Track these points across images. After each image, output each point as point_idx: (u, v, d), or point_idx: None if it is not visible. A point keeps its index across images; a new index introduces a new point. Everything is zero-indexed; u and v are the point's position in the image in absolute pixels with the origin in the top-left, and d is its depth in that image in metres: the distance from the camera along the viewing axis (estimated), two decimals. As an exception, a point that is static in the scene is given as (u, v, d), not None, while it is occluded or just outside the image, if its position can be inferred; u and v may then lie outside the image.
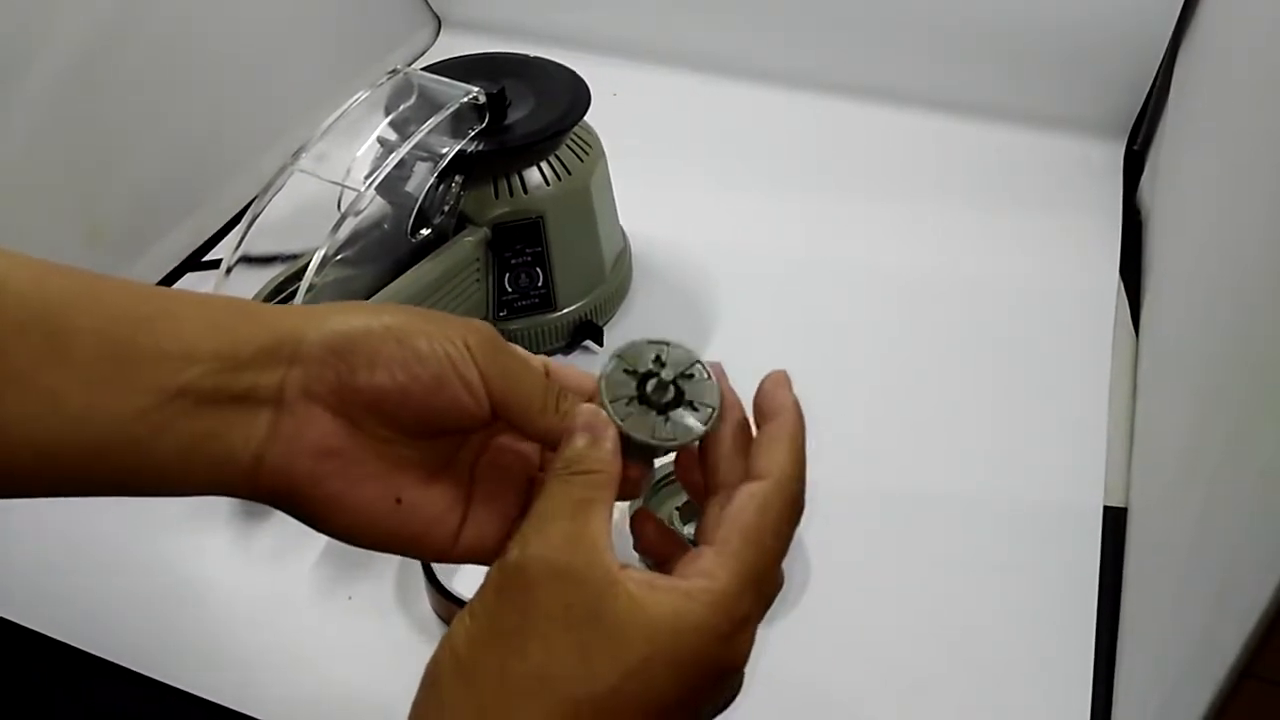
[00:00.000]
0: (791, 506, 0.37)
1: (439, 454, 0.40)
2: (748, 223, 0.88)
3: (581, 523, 0.35)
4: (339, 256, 0.62)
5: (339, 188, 0.64)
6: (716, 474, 0.39)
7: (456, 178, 0.67)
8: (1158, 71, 0.91)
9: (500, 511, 0.41)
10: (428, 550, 0.40)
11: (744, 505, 0.37)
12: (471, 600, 0.35)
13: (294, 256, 0.65)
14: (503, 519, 0.41)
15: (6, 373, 0.34)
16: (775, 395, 0.40)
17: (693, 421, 0.39)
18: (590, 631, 0.33)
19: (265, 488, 0.38)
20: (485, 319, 0.72)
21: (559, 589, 0.34)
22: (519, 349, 0.40)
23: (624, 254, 0.80)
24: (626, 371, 0.40)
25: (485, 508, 0.41)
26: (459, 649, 0.34)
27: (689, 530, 0.63)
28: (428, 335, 0.38)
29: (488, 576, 0.35)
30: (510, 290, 0.72)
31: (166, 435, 0.36)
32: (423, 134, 0.65)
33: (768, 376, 0.40)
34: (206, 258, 0.86)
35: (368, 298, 0.64)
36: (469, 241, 0.69)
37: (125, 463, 0.36)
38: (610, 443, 0.37)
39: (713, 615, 0.34)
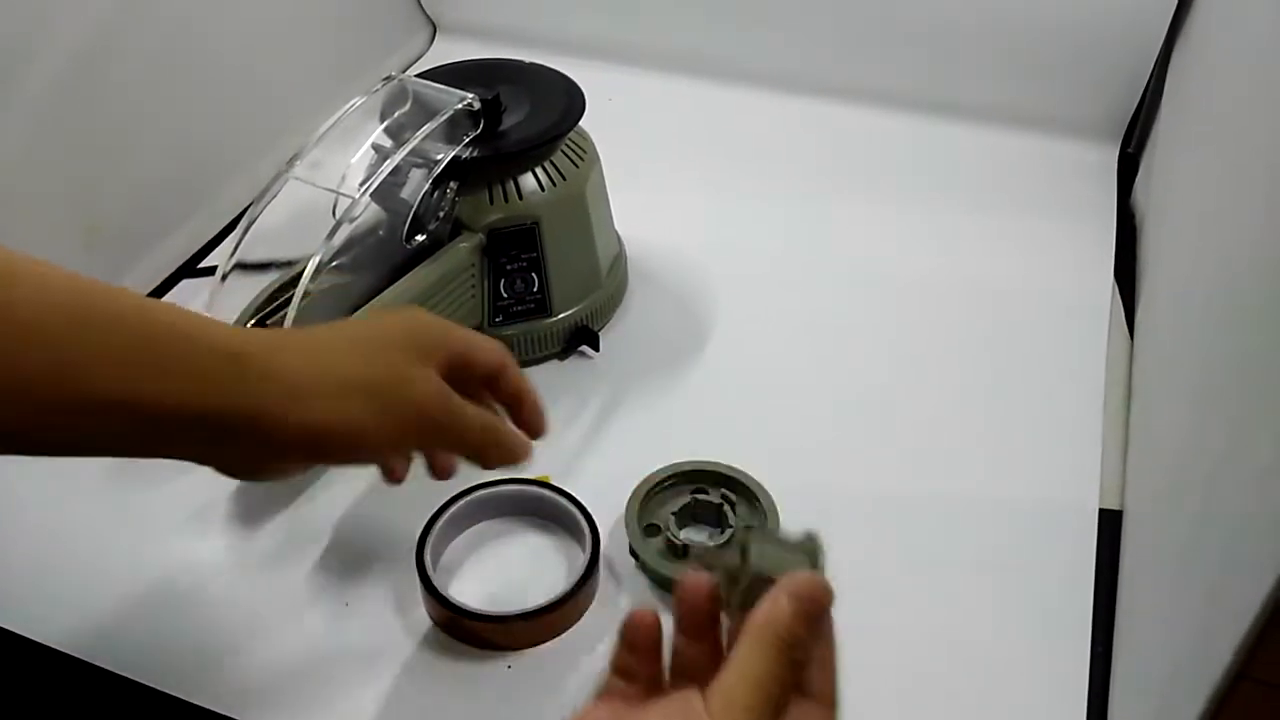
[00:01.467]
0: None
1: None
2: (743, 226, 0.88)
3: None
4: (334, 263, 0.62)
5: (334, 194, 0.64)
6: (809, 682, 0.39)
7: (451, 184, 0.68)
8: (1152, 74, 0.91)
9: None
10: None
11: None
12: None
13: (289, 263, 0.65)
14: None
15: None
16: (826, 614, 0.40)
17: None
18: None
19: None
20: (480, 325, 0.72)
21: None
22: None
23: (619, 259, 0.80)
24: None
25: None
26: None
27: (685, 535, 0.63)
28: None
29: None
30: (506, 296, 0.72)
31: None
32: (417, 140, 0.65)
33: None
34: (202, 264, 0.86)
35: (363, 304, 0.64)
36: (464, 247, 0.69)
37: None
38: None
39: None
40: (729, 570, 0.40)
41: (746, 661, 0.36)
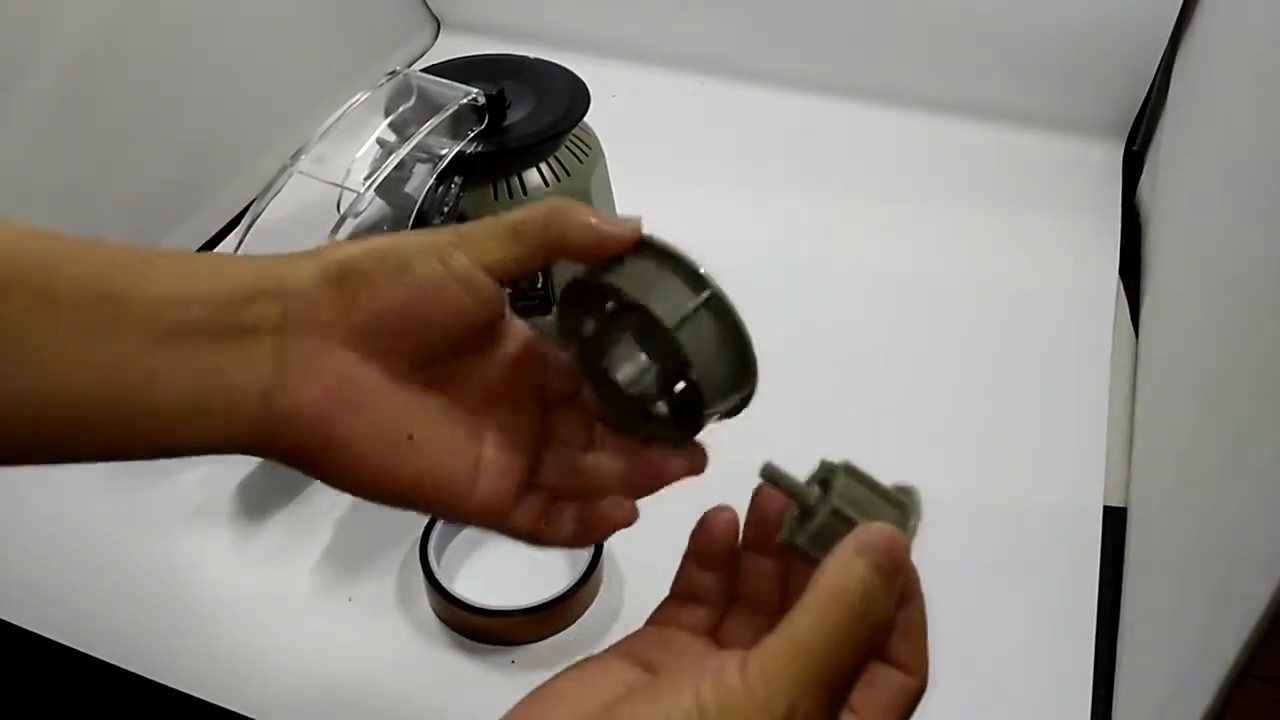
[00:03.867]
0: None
1: (449, 387, 0.39)
2: (746, 224, 0.88)
3: (847, 699, 0.32)
4: (338, 258, 0.62)
5: (338, 189, 0.64)
6: (891, 650, 0.36)
7: (456, 179, 0.67)
8: (1157, 72, 0.91)
9: (515, 452, 0.39)
10: (444, 497, 0.38)
11: (900, 698, 0.35)
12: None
13: (293, 258, 0.65)
14: (517, 462, 0.39)
15: None
16: (914, 578, 0.36)
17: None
18: None
19: (271, 431, 0.36)
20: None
21: None
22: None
23: (623, 255, 0.80)
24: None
25: (499, 448, 0.39)
26: None
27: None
28: (412, 247, 0.37)
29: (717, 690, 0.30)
30: (509, 291, 0.72)
31: (165, 379, 0.34)
32: (422, 135, 0.65)
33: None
34: (206, 259, 0.86)
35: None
36: (468, 243, 0.69)
37: (124, 413, 0.34)
38: (898, 588, 0.33)
39: None
40: (803, 500, 0.34)
41: (801, 628, 0.30)
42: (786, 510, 0.36)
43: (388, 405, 0.37)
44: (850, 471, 0.35)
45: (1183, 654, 0.46)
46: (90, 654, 0.59)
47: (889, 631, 0.32)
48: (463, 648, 0.59)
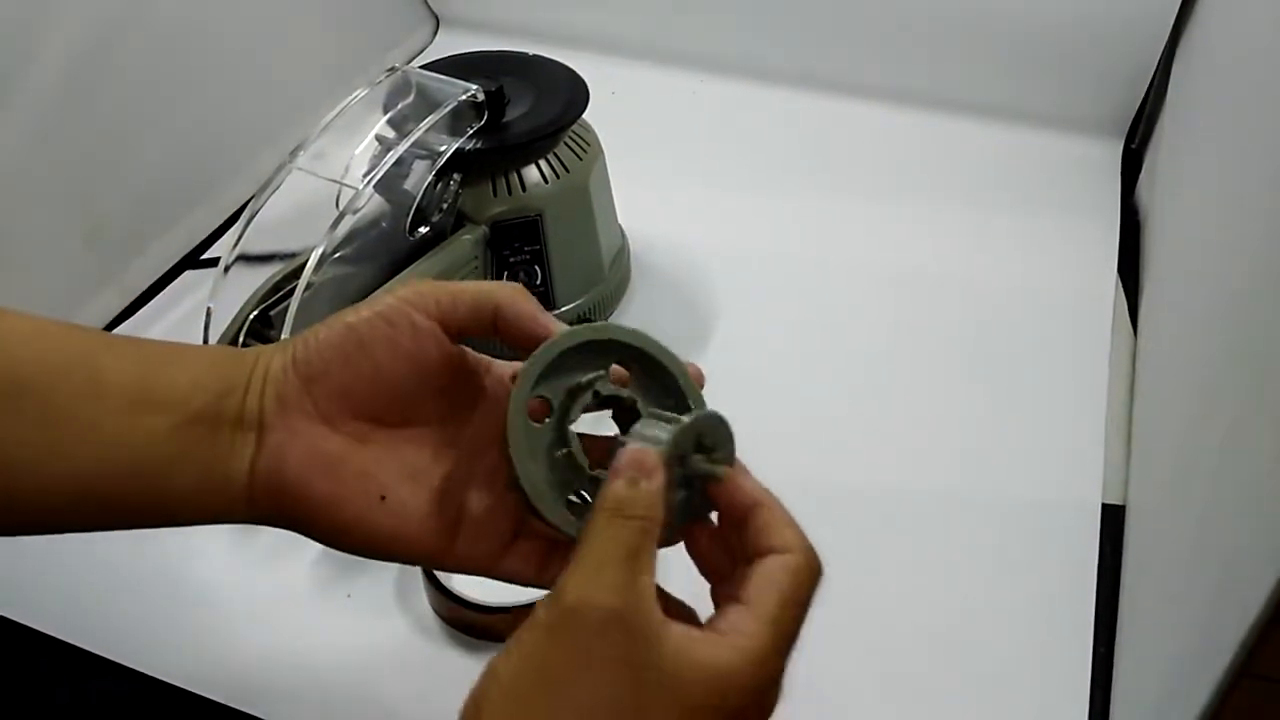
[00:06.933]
0: (815, 579, 0.38)
1: (434, 447, 0.43)
2: (746, 221, 0.88)
3: (634, 571, 0.35)
4: (337, 254, 0.62)
5: (337, 186, 0.64)
6: (760, 547, 0.39)
7: (455, 176, 0.67)
8: (1156, 70, 0.91)
9: (502, 505, 0.43)
10: (419, 551, 0.43)
11: (777, 572, 0.38)
12: (519, 635, 0.35)
13: (292, 255, 0.65)
14: (503, 515, 0.43)
15: (53, 411, 0.39)
16: (748, 488, 0.40)
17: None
18: (644, 680, 0.34)
19: (262, 501, 0.41)
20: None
21: (615, 637, 0.34)
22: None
23: (622, 252, 0.80)
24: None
25: (485, 503, 0.43)
26: (506, 685, 0.35)
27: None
28: (356, 310, 0.42)
29: (536, 614, 0.35)
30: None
31: (180, 464, 0.40)
32: (421, 132, 0.65)
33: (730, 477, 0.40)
34: (205, 256, 0.86)
35: (365, 296, 0.64)
36: (467, 239, 0.69)
37: (146, 492, 0.40)
38: (657, 484, 0.37)
39: (757, 671, 0.36)
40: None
41: (581, 551, 0.36)
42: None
43: (357, 469, 0.42)
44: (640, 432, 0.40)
45: (1181, 652, 0.46)
46: (89, 649, 0.59)
47: (659, 526, 0.37)
48: (461, 644, 0.59)
